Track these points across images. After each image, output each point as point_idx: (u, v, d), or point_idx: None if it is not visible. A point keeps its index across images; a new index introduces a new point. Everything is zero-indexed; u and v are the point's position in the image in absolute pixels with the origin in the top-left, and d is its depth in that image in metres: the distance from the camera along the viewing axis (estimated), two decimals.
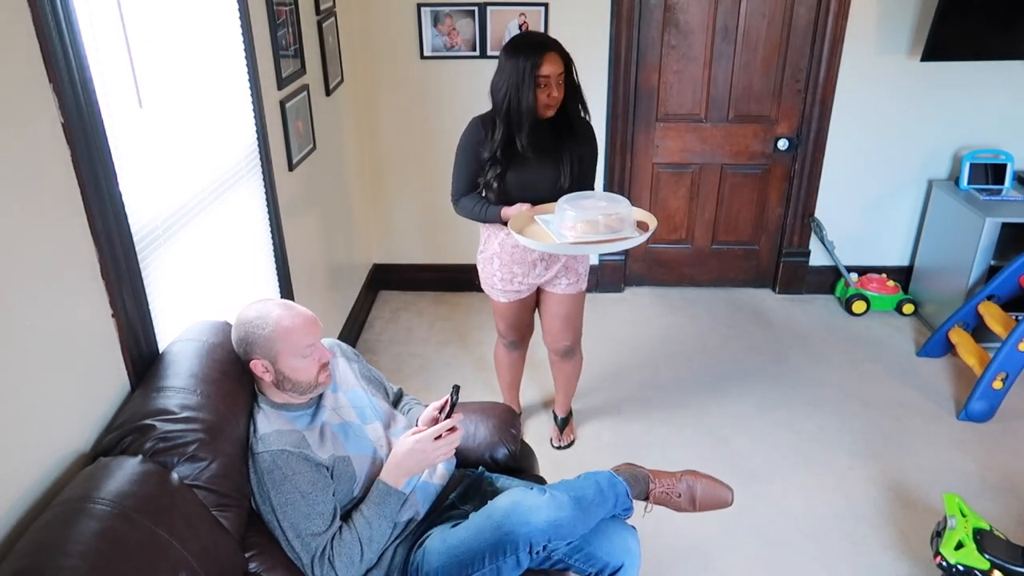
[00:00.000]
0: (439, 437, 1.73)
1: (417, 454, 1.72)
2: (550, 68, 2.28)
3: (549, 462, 2.86)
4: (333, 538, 1.62)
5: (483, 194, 2.46)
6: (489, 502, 1.74)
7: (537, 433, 3.04)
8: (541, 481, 2.11)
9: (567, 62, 2.32)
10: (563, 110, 2.39)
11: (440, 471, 1.88)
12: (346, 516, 1.69)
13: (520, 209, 2.37)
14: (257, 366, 1.67)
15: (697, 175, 3.86)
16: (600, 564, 1.81)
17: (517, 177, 2.41)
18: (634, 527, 1.91)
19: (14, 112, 1.34)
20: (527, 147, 2.36)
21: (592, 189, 2.50)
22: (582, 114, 2.44)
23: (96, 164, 1.53)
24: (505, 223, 2.40)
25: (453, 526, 1.76)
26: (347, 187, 3.55)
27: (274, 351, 1.65)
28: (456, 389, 1.80)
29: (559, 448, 2.94)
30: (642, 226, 2.32)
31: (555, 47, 2.30)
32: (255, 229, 2.44)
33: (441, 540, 1.72)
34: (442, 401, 1.85)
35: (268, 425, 1.67)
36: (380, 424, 1.86)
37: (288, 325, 1.66)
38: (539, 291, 2.67)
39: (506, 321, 2.72)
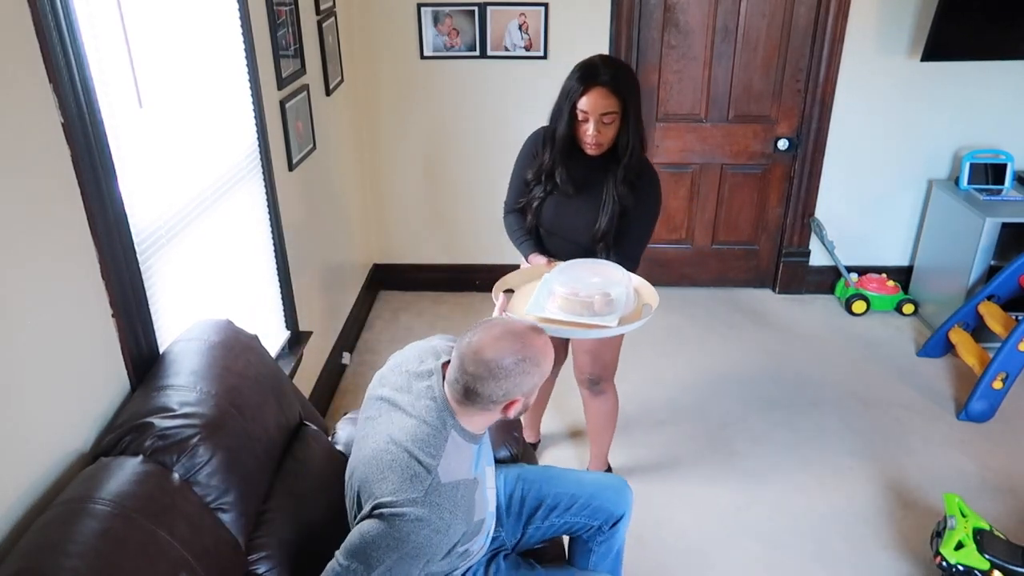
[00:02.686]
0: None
1: None
2: (591, 103, 2.03)
3: (551, 460, 2.86)
4: None
5: (528, 218, 2.30)
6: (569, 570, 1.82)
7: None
8: None
9: (624, 99, 2.04)
10: (616, 152, 2.13)
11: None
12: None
13: (541, 261, 2.18)
14: (512, 408, 1.51)
15: (697, 175, 3.86)
16: (605, 515, 1.86)
17: (553, 209, 2.23)
18: (625, 480, 1.97)
19: (14, 112, 1.34)
20: (566, 181, 2.15)
21: (632, 253, 2.24)
22: (634, 160, 2.13)
23: (96, 164, 1.53)
24: None
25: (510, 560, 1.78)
26: (347, 187, 3.55)
27: (536, 386, 1.51)
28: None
29: None
30: (635, 315, 2.00)
31: (607, 81, 2.02)
32: (255, 229, 2.44)
33: None
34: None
35: (454, 469, 1.47)
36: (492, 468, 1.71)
37: (549, 353, 1.51)
38: None
39: None
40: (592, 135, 2.08)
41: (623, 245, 2.23)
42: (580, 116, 2.07)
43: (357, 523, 1.48)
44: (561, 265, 2.08)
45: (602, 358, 2.49)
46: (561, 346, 2.59)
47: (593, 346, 2.45)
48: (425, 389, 1.55)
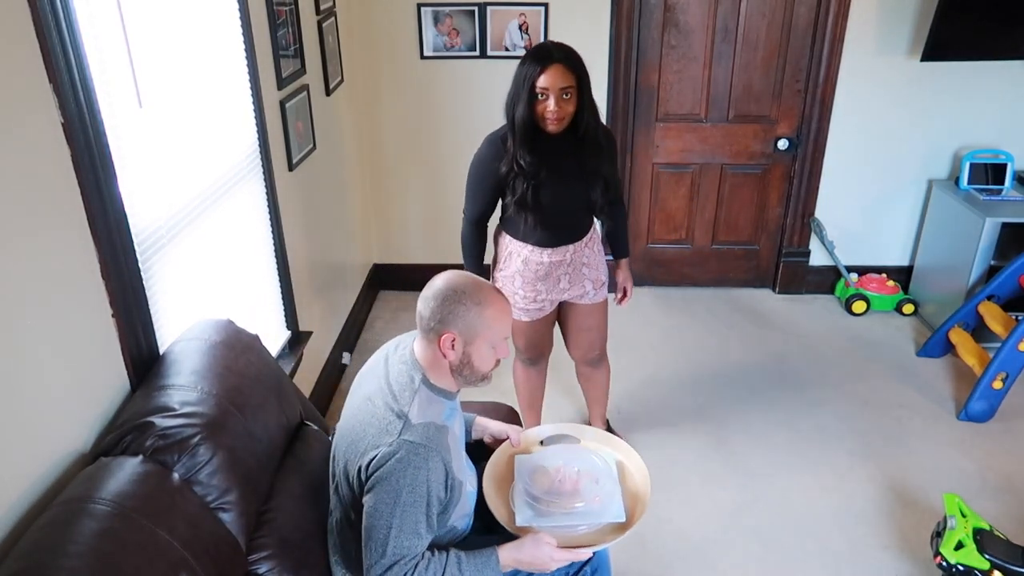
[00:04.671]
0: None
1: (541, 557, 1.58)
2: (551, 80, 2.13)
3: None
4: (419, 559, 1.50)
5: (524, 216, 2.31)
6: None
7: None
8: None
9: (579, 75, 2.17)
10: (575, 127, 2.23)
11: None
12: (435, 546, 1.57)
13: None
14: (446, 341, 1.55)
15: (697, 175, 3.86)
16: None
17: (546, 197, 2.28)
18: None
19: (14, 112, 1.34)
20: (532, 164, 2.22)
21: (619, 197, 2.47)
22: (590, 133, 2.26)
23: (96, 164, 1.53)
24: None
25: None
26: (347, 187, 3.55)
27: (475, 332, 1.55)
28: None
29: None
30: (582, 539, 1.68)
31: (562, 58, 2.14)
32: (255, 229, 2.44)
33: None
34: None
35: (424, 413, 1.55)
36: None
37: (502, 309, 1.57)
38: (562, 304, 2.56)
39: (526, 339, 2.59)
40: (553, 110, 2.17)
41: (611, 192, 2.38)
42: (540, 95, 2.16)
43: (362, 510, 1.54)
44: (553, 449, 1.92)
45: (602, 333, 2.65)
46: (548, 336, 2.66)
47: (595, 323, 2.59)
48: (398, 358, 1.67)
